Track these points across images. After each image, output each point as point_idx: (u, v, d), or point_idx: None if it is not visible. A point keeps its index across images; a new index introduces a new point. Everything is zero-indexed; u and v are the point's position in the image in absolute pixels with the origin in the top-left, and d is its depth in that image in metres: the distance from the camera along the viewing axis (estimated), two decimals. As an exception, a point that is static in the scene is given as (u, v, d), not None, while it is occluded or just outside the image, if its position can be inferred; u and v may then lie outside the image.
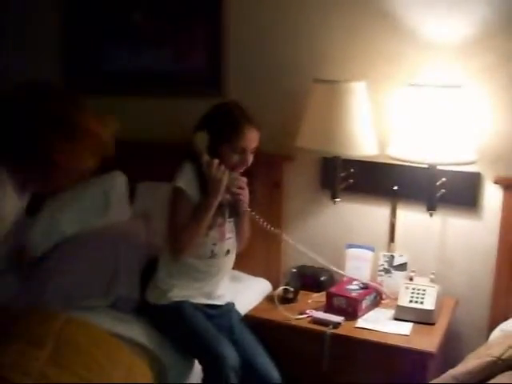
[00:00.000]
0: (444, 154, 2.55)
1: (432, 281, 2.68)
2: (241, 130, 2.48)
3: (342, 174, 2.87)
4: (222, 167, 2.45)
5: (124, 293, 2.63)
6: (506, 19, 2.63)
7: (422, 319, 2.60)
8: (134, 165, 3.05)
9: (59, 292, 2.60)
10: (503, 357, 2.09)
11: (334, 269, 2.82)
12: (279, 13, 3.02)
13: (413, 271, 2.73)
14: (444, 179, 2.70)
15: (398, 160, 2.67)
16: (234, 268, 2.72)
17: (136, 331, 2.47)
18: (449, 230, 2.85)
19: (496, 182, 2.72)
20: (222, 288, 2.65)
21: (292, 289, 2.82)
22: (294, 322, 2.65)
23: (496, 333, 2.55)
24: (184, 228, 2.45)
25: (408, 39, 2.77)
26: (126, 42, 3.40)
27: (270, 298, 2.86)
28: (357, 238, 2.96)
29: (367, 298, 2.71)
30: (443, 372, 2.17)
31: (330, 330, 2.55)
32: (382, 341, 2.50)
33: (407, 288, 2.67)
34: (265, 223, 2.65)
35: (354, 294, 2.69)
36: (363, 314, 2.67)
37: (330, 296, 2.72)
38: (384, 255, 2.87)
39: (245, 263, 2.88)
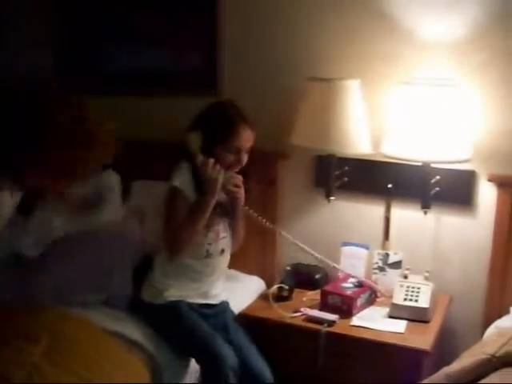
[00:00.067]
0: (438, 152, 2.55)
1: (426, 278, 2.68)
2: (236, 130, 2.47)
3: (337, 172, 2.87)
4: (218, 167, 2.44)
5: (117, 289, 2.63)
6: (498, 19, 2.64)
7: (417, 317, 2.61)
8: (130, 163, 3.04)
9: (53, 289, 2.59)
10: (497, 354, 2.09)
11: (331, 263, 2.81)
12: (275, 12, 3.02)
13: (407, 269, 2.73)
14: (438, 177, 2.71)
15: (392, 158, 2.67)
16: (228, 267, 2.72)
17: (130, 329, 2.46)
18: (443, 227, 2.85)
19: (490, 180, 2.72)
20: (218, 287, 2.64)
21: (287, 287, 2.82)
22: (288, 321, 2.66)
23: (490, 330, 2.56)
24: (181, 228, 2.44)
25: (402, 38, 2.77)
26: (123, 42, 3.40)
27: (264, 297, 2.86)
28: (351, 236, 2.96)
29: (362, 296, 2.71)
30: (438, 369, 2.17)
31: (324, 328, 2.56)
32: (377, 339, 2.50)
33: (402, 286, 2.67)
34: (263, 220, 2.65)
35: (348, 292, 2.69)
36: (358, 312, 2.68)
37: (324, 294, 2.72)
38: (379, 253, 2.87)
39: (239, 261, 2.87)
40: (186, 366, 2.50)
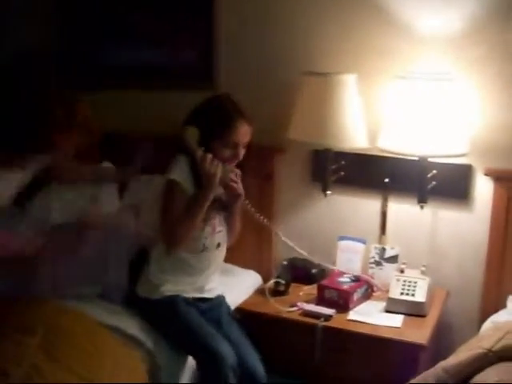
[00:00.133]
0: (435, 146, 2.55)
1: (423, 273, 2.68)
2: (233, 125, 2.46)
3: (333, 167, 2.86)
4: (216, 161, 2.43)
5: (113, 281, 2.62)
6: (495, 13, 2.63)
7: (414, 311, 2.61)
8: (126, 156, 3.03)
9: (47, 281, 2.59)
10: (494, 349, 2.09)
11: (324, 264, 2.83)
12: (271, 5, 3.01)
13: (404, 263, 2.74)
14: (435, 171, 2.71)
15: (389, 152, 2.67)
16: (224, 261, 2.72)
17: (126, 323, 2.46)
18: (440, 222, 2.85)
19: (486, 174, 2.72)
20: (213, 281, 2.64)
21: (283, 281, 2.82)
22: (285, 315, 2.66)
23: (487, 324, 2.56)
24: (178, 221, 2.43)
25: (399, 32, 2.76)
26: (122, 40, 3.39)
27: (261, 291, 2.85)
28: (348, 231, 2.96)
29: (358, 290, 2.71)
30: (434, 364, 2.17)
31: (321, 323, 2.56)
32: (374, 333, 2.50)
33: (398, 280, 2.67)
34: (261, 217, 2.66)
35: (345, 287, 2.69)
36: (354, 307, 2.68)
37: (321, 288, 2.72)
38: (375, 247, 2.87)
39: (236, 256, 2.87)
40: (184, 360, 2.49)
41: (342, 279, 2.75)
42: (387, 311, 2.64)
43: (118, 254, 2.68)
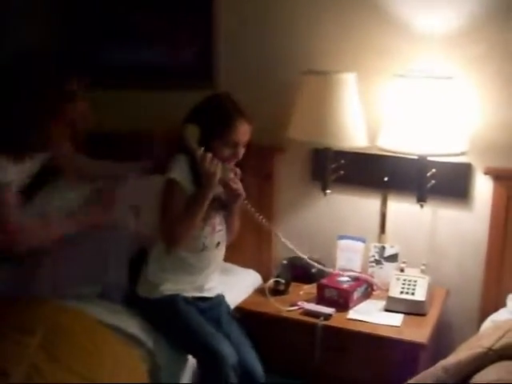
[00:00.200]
0: (434, 145, 2.55)
1: (423, 272, 2.68)
2: (233, 124, 2.46)
3: (333, 166, 2.86)
4: (216, 160, 2.43)
5: (113, 281, 2.62)
6: (494, 12, 2.63)
7: (413, 310, 2.61)
8: (125, 156, 3.03)
9: (47, 280, 2.59)
10: (494, 347, 2.09)
11: (321, 267, 2.83)
12: (271, 5, 3.01)
13: (404, 262, 2.74)
14: (434, 170, 2.71)
15: (388, 151, 2.67)
16: (224, 260, 2.72)
17: (127, 322, 2.45)
18: (439, 220, 2.85)
19: (486, 173, 2.72)
20: (213, 281, 2.64)
21: (283, 281, 2.82)
22: (285, 314, 2.66)
23: (487, 323, 2.56)
24: (178, 220, 2.43)
25: (398, 31, 2.76)
26: (122, 39, 3.39)
27: (260, 290, 2.85)
28: (348, 230, 2.96)
29: (358, 289, 2.71)
30: (434, 363, 2.17)
31: (321, 322, 2.56)
32: (374, 332, 2.50)
33: (398, 279, 2.67)
34: (260, 217, 2.65)
35: (345, 286, 2.69)
36: (354, 306, 2.68)
37: (321, 288, 2.72)
38: (375, 246, 2.87)
39: (235, 255, 2.87)
40: (185, 360, 2.49)
41: (341, 278, 2.75)
42: (387, 310, 2.64)
43: (118, 254, 2.68)
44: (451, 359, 2.14)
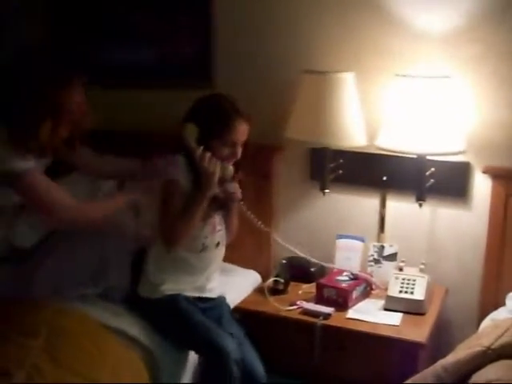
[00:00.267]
0: (433, 144, 2.55)
1: (422, 271, 2.69)
2: (231, 124, 2.46)
3: (332, 165, 2.87)
4: (214, 160, 2.44)
5: (114, 282, 2.62)
6: (490, 13, 2.63)
7: (412, 309, 2.61)
8: (126, 155, 3.03)
9: (48, 281, 2.59)
10: (493, 346, 2.09)
11: (321, 263, 2.83)
12: (269, 3, 3.00)
13: (403, 261, 2.74)
14: (433, 169, 2.71)
15: (387, 150, 2.67)
16: (223, 260, 2.72)
17: (128, 324, 2.46)
18: (438, 219, 2.85)
19: (485, 172, 2.72)
20: (213, 281, 2.64)
21: (282, 280, 2.83)
22: (284, 314, 2.66)
23: (486, 322, 2.56)
24: (177, 220, 2.43)
25: (397, 31, 2.76)
26: (121, 39, 3.40)
27: (260, 290, 2.86)
28: (347, 229, 2.96)
29: (357, 288, 2.71)
30: (434, 362, 2.17)
31: (320, 321, 2.56)
32: (373, 331, 2.50)
33: (397, 278, 2.67)
34: (256, 219, 2.66)
35: (344, 285, 2.69)
36: (353, 305, 2.68)
37: (320, 287, 2.72)
38: (374, 245, 2.87)
39: (234, 255, 2.86)
40: (185, 361, 2.49)
41: (340, 278, 2.75)
42: (386, 309, 2.64)
43: (119, 255, 2.68)
44: (450, 358, 2.14)
